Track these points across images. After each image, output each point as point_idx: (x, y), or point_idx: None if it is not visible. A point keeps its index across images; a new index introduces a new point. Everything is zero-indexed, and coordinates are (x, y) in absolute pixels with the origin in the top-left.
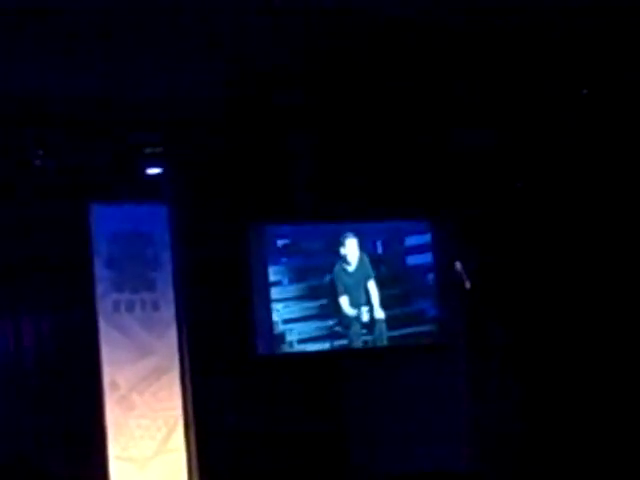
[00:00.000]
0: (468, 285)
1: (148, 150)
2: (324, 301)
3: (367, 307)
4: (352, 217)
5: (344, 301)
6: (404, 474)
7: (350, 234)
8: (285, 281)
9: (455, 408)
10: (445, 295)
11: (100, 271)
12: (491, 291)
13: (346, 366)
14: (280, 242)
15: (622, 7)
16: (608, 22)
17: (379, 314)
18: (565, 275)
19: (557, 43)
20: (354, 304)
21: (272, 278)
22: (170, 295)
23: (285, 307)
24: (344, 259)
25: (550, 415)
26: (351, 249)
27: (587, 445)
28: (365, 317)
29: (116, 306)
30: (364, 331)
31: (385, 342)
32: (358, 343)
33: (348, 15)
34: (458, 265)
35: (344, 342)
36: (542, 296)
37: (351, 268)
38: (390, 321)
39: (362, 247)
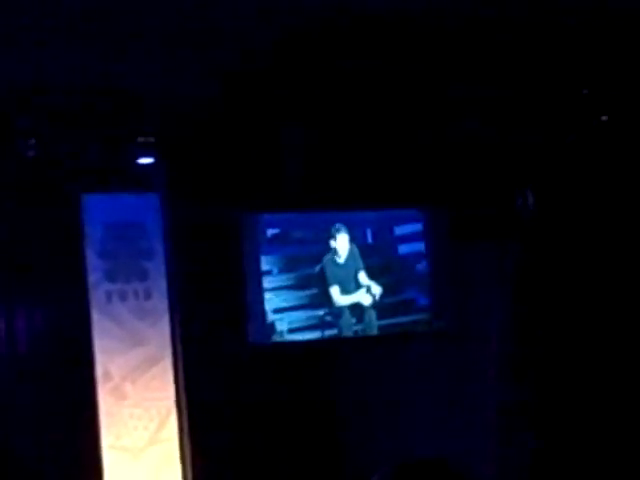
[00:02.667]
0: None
1: (140, 140)
2: (315, 290)
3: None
4: (342, 206)
5: (335, 291)
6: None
7: (342, 228)
8: (275, 270)
9: (452, 395)
10: (438, 283)
11: (93, 261)
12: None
13: (338, 355)
14: (270, 231)
15: (622, 7)
16: (608, 22)
17: (369, 304)
18: (568, 261)
19: (557, 43)
20: (345, 293)
21: (263, 267)
22: (163, 285)
23: (275, 296)
24: (334, 251)
25: (553, 400)
26: (342, 243)
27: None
28: (355, 307)
29: (109, 296)
30: (354, 320)
31: (375, 331)
32: (348, 332)
33: (341, 7)
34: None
35: (334, 331)
36: (546, 283)
37: (341, 260)
38: (380, 310)
39: (352, 238)
